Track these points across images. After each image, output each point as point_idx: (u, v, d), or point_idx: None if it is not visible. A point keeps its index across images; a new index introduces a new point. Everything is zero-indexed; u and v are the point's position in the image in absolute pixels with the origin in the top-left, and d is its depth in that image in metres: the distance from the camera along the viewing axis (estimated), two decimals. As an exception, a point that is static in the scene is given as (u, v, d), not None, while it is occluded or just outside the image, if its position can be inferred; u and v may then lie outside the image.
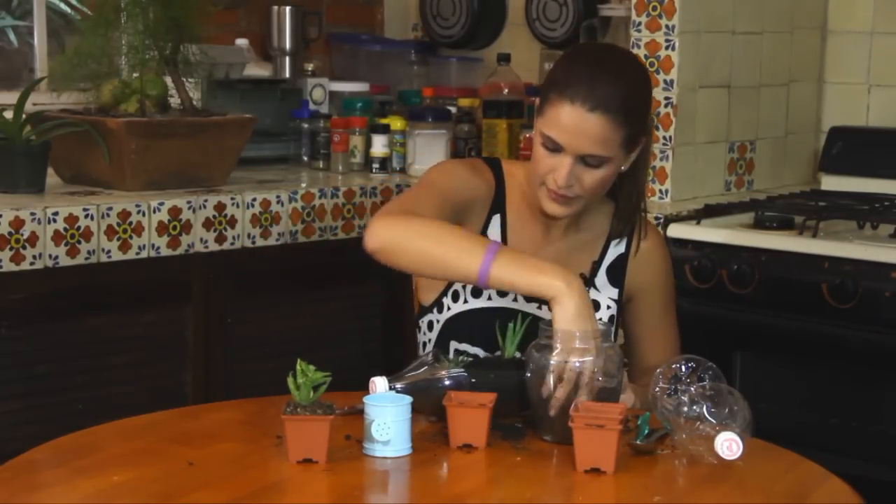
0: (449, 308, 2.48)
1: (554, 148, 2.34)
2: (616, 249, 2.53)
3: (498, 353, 2.31)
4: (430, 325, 2.52)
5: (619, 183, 2.48)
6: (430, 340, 2.52)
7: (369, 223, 2.30)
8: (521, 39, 4.27)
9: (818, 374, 3.11)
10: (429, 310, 2.52)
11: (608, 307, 2.50)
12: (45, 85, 3.56)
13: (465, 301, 2.47)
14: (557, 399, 2.11)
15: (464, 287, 2.47)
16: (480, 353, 2.44)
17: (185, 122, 3.29)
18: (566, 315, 2.14)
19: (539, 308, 2.44)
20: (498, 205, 2.49)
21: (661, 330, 2.58)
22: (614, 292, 2.52)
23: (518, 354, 2.25)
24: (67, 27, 4.14)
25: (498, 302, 2.46)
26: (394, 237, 2.26)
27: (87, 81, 3.31)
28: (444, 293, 2.49)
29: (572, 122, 2.31)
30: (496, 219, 2.49)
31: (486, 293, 2.46)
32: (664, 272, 2.59)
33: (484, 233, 2.48)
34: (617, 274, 2.52)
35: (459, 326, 2.47)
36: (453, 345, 2.47)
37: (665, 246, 2.62)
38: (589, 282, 2.50)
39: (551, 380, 2.11)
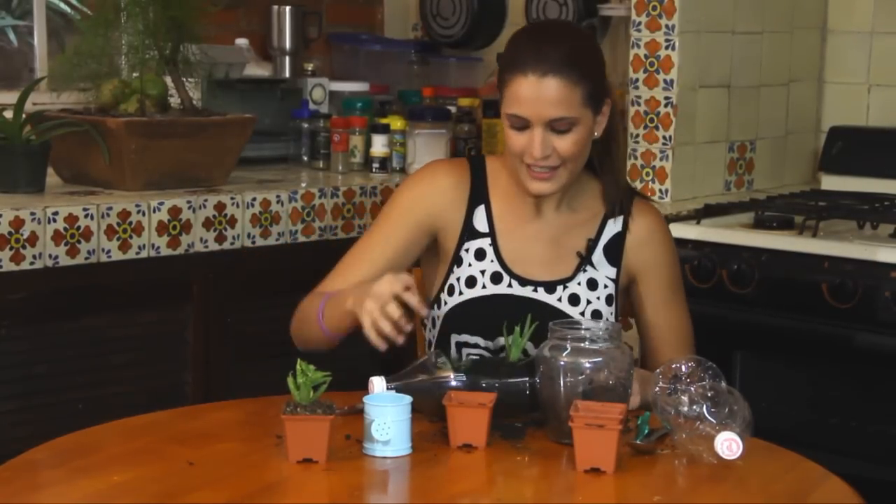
0: (446, 303, 2.49)
1: (521, 126, 2.39)
2: (613, 228, 2.52)
3: (502, 354, 2.32)
4: (434, 322, 2.53)
5: (599, 161, 2.51)
6: (433, 337, 2.53)
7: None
8: (521, 39, 4.26)
9: (818, 374, 3.11)
10: (430, 306, 2.53)
11: (605, 286, 2.50)
12: (45, 85, 3.56)
13: (461, 293, 2.47)
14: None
15: (458, 279, 2.48)
16: (480, 341, 2.45)
17: (185, 122, 3.29)
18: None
19: (535, 291, 2.45)
20: (479, 196, 2.52)
21: (671, 311, 2.55)
22: (612, 271, 2.51)
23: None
24: (67, 27, 4.14)
25: (493, 290, 2.46)
26: (295, 339, 2.57)
27: (87, 81, 3.31)
28: (441, 289, 2.50)
29: (529, 92, 2.37)
30: (480, 210, 2.51)
31: (479, 282, 2.47)
32: (666, 251, 2.56)
33: (469, 225, 2.50)
34: (614, 253, 2.51)
35: (457, 319, 2.48)
36: (454, 338, 2.47)
37: (665, 225, 2.59)
38: (585, 260, 2.50)
39: (563, 382, 2.11)
